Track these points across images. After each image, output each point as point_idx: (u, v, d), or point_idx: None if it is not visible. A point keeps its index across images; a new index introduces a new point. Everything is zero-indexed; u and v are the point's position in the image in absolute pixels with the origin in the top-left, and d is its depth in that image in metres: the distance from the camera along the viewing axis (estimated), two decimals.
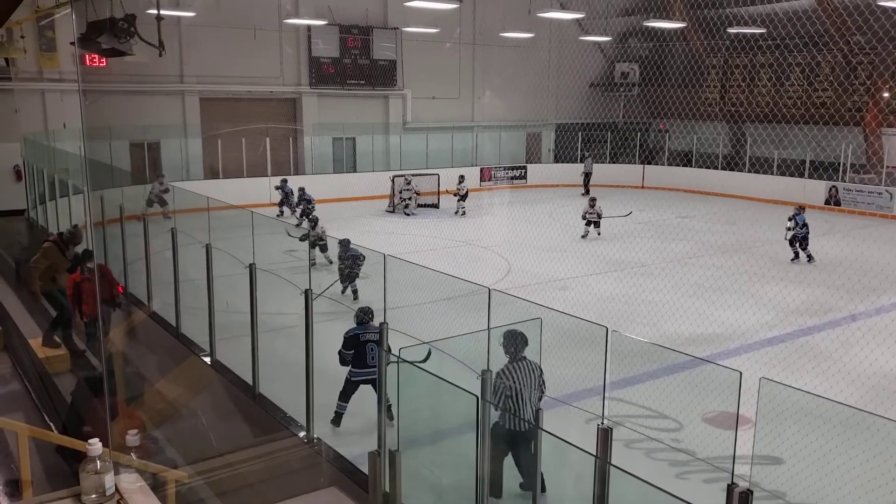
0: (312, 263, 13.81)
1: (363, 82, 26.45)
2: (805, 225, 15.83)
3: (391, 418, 5.85)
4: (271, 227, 17.66)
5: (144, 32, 8.98)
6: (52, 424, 7.26)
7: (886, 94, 24.86)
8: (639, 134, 30.45)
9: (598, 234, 18.34)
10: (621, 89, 31.21)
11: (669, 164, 29.50)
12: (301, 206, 19.17)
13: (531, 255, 15.87)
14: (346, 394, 7.57)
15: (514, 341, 5.97)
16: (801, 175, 24.96)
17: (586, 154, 28.47)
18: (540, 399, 6.08)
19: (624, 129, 30.93)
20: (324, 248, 14.47)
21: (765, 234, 18.78)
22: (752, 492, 3.45)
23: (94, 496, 3.17)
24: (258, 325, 7.85)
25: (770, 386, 3.66)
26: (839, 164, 24.46)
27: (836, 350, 10.22)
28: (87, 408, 6.87)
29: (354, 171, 26.35)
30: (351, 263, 12.01)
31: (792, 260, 15.96)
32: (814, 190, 24.26)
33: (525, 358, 6.01)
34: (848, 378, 9.01)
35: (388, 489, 5.36)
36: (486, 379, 5.14)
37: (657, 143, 30.72)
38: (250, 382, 7.93)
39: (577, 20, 28.18)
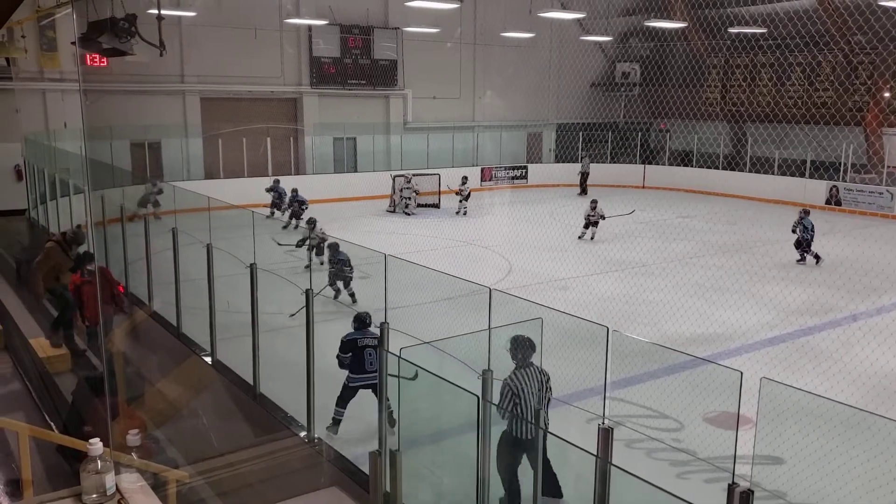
0: (307, 266, 13.78)
1: (364, 82, 26.45)
2: (812, 228, 15.72)
3: (392, 424, 5.81)
4: (272, 227, 17.72)
5: (145, 32, 8.99)
6: (52, 424, 7.27)
7: (887, 94, 24.85)
8: (640, 134, 30.44)
9: (592, 237, 17.98)
10: (622, 89, 31.21)
11: (670, 164, 29.49)
12: (292, 207, 18.91)
13: (532, 254, 15.88)
14: (344, 399, 7.48)
15: (521, 347, 5.82)
16: (802, 175, 24.95)
17: (583, 154, 28.45)
18: (548, 404, 5.95)
19: (625, 128, 30.92)
20: (320, 251, 14.35)
21: (766, 234, 18.77)
22: (752, 492, 3.45)
23: (94, 496, 3.17)
24: (259, 324, 7.85)
25: (771, 386, 3.66)
26: (840, 163, 24.45)
27: (836, 350, 10.22)
28: (88, 407, 6.87)
29: (355, 171, 26.34)
30: (339, 267, 11.94)
31: (798, 261, 15.88)
32: (814, 190, 24.25)
33: (532, 364, 5.86)
34: (849, 378, 9.00)
35: (388, 489, 5.35)
36: (486, 379, 5.13)
37: (658, 142, 30.72)
38: (251, 382, 7.93)
39: (578, 20, 28.19)
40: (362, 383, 7.38)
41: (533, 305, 5.41)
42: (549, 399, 5.98)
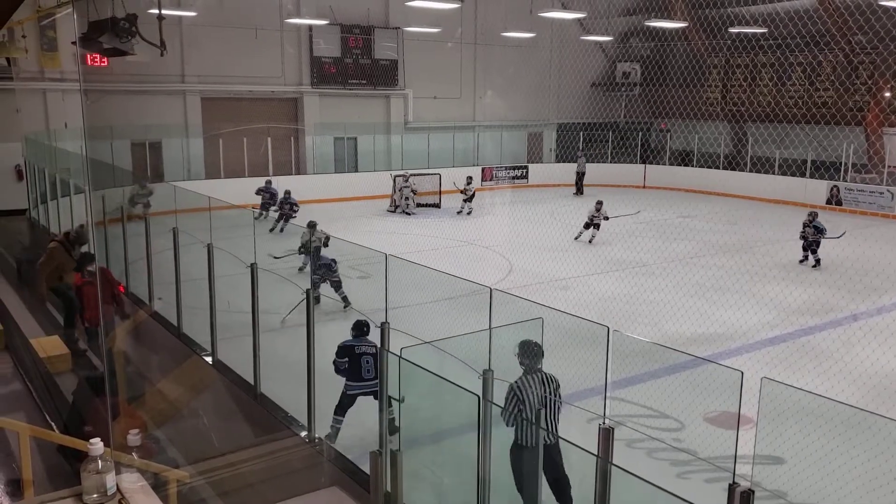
0: (301, 269, 13.70)
1: (364, 82, 26.45)
2: (823, 230, 15.60)
3: (392, 433, 5.78)
4: (264, 232, 17.64)
5: (146, 32, 8.99)
6: (53, 424, 7.26)
7: (888, 94, 24.84)
8: (640, 133, 30.43)
9: (591, 240, 17.75)
10: (623, 89, 31.20)
11: (671, 164, 29.48)
12: (283, 210, 18.44)
13: (532, 254, 15.87)
14: (343, 407, 7.40)
15: (529, 352, 5.67)
16: (803, 175, 24.94)
17: (579, 154, 28.47)
18: (557, 412, 5.75)
19: (625, 128, 30.91)
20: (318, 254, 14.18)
21: (766, 234, 18.78)
22: (753, 491, 3.45)
23: (95, 496, 3.17)
24: (259, 324, 7.85)
25: (771, 386, 3.67)
26: (840, 163, 24.44)
27: (837, 350, 10.22)
28: (89, 407, 6.87)
29: (356, 170, 26.33)
30: (325, 272, 11.55)
31: (801, 262, 15.83)
32: (815, 190, 24.24)
33: (541, 370, 5.72)
34: (849, 378, 9.00)
35: (389, 489, 5.35)
36: (487, 379, 5.13)
37: (658, 142, 30.71)
38: (252, 382, 7.93)
39: (579, 20, 28.19)
40: (360, 391, 7.33)
41: (534, 305, 5.42)
42: (558, 407, 5.77)
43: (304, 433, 7.10)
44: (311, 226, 14.35)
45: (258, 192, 20.05)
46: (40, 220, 17.52)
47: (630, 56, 31.02)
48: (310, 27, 24.83)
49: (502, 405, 5.60)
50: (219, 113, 23.71)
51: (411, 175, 23.03)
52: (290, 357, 7.79)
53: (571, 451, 5.56)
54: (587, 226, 18.02)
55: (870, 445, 5.65)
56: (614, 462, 4.19)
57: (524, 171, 29.40)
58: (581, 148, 29.29)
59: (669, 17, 27.20)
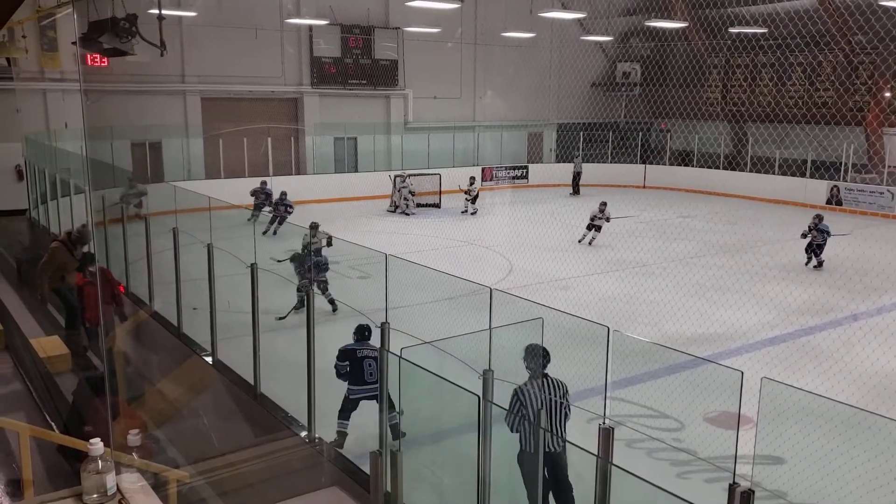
0: (309, 268, 13.61)
1: (365, 82, 26.45)
2: (829, 232, 15.47)
3: (395, 437, 5.76)
4: (260, 235, 17.61)
5: (146, 32, 8.99)
6: (53, 424, 7.26)
7: (888, 94, 24.83)
8: (640, 134, 30.43)
9: (591, 242, 17.61)
10: (623, 89, 31.20)
11: (671, 164, 29.48)
12: (277, 211, 18.16)
13: (533, 254, 15.87)
14: (346, 411, 7.38)
15: (534, 357, 5.60)
16: (803, 175, 24.94)
17: (576, 154, 28.43)
18: (565, 419, 5.67)
19: (625, 128, 30.91)
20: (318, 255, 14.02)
21: (766, 234, 18.78)
22: (753, 491, 3.45)
23: (95, 496, 3.17)
24: (259, 324, 7.85)
25: (771, 386, 3.67)
26: (840, 163, 24.44)
27: (837, 350, 10.22)
28: (89, 407, 6.87)
29: (356, 171, 26.33)
30: (315, 274, 11.44)
31: (806, 264, 15.62)
32: (815, 190, 24.25)
33: (547, 375, 5.65)
34: (849, 378, 9.00)
35: (389, 489, 5.35)
36: (487, 379, 5.13)
37: (658, 142, 30.70)
38: (252, 382, 7.93)
39: (579, 20, 28.19)
40: (363, 395, 7.30)
41: (534, 305, 5.42)
42: (566, 413, 5.67)
43: (304, 433, 7.10)
44: (313, 227, 14.32)
45: (252, 193, 19.92)
46: (40, 220, 17.52)
47: (630, 56, 31.02)
48: (310, 27, 24.82)
49: (506, 408, 5.56)
50: (219, 113, 23.70)
51: (409, 175, 23.03)
52: (290, 357, 7.79)
53: (572, 451, 5.56)
54: (590, 227, 17.87)
55: (870, 445, 5.65)
56: (614, 462, 4.19)
57: (524, 171, 29.40)
58: (578, 148, 29.31)
59: (669, 18, 27.20)
